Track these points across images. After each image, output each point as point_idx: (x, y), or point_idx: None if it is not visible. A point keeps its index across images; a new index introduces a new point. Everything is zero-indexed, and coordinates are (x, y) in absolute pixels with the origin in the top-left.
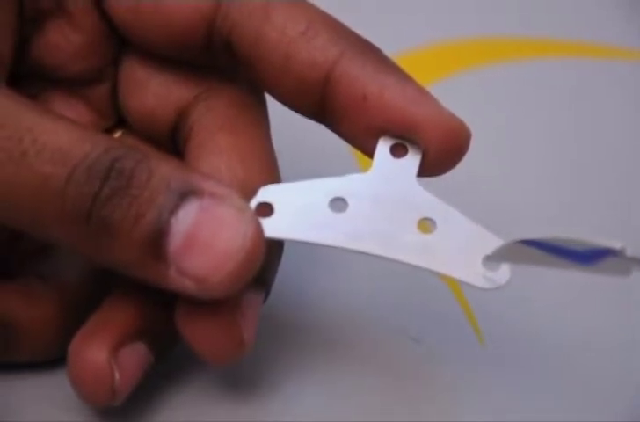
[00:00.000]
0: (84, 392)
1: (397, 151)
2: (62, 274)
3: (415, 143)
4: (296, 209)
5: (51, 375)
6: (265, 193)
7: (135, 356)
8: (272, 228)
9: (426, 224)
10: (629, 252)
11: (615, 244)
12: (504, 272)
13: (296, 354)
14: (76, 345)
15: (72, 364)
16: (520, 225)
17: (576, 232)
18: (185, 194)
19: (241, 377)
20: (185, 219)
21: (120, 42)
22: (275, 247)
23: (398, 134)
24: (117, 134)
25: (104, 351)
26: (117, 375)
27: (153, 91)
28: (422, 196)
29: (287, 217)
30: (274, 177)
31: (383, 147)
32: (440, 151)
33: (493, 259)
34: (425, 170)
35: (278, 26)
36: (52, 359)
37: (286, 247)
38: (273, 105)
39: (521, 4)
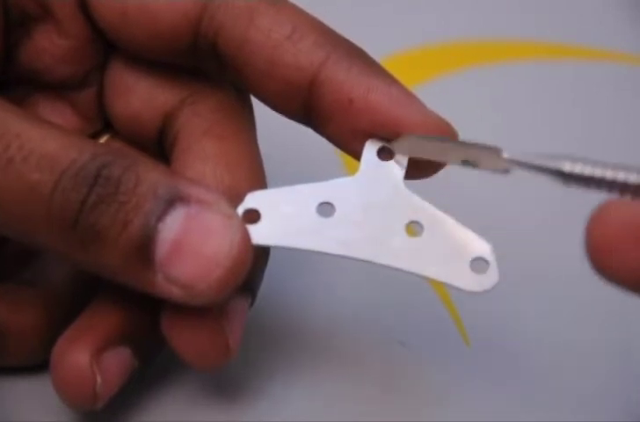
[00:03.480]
0: (66, 395)
1: (384, 154)
2: (48, 280)
3: None
4: (283, 215)
5: (38, 379)
6: (252, 199)
7: (119, 360)
8: (259, 234)
9: (414, 228)
10: (506, 155)
11: (493, 146)
12: (491, 275)
13: (283, 358)
14: (59, 349)
15: (55, 367)
16: (508, 228)
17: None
18: (172, 201)
19: (227, 381)
20: (173, 225)
21: (107, 47)
22: (261, 253)
23: (385, 136)
24: (103, 139)
25: (86, 354)
26: (99, 379)
27: (139, 96)
28: (409, 199)
29: (275, 223)
30: (260, 182)
31: (370, 150)
32: None
33: (394, 149)
34: (413, 173)
35: (263, 30)
36: (38, 363)
37: (272, 252)
38: (260, 108)
39: (513, 6)
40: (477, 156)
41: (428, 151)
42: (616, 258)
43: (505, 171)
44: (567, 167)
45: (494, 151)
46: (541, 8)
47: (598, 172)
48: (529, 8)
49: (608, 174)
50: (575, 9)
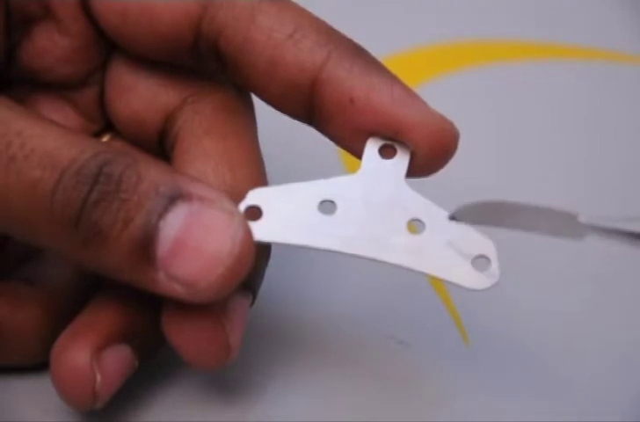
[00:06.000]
0: (66, 394)
1: (386, 152)
2: (49, 278)
3: (404, 144)
4: (285, 212)
5: (38, 379)
6: (254, 197)
7: (119, 358)
8: (260, 231)
9: (415, 225)
10: (583, 219)
11: (571, 211)
12: (492, 272)
13: (283, 357)
14: (58, 347)
15: (54, 365)
16: None
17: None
18: (173, 198)
19: (227, 380)
20: (174, 223)
21: (108, 46)
22: (263, 250)
23: (386, 136)
24: (105, 138)
25: (86, 352)
26: (98, 378)
27: (140, 96)
28: (411, 197)
29: (276, 220)
30: (262, 181)
31: (372, 148)
32: (429, 152)
33: (457, 219)
34: (414, 171)
35: (264, 29)
36: (38, 363)
37: (273, 251)
38: (261, 107)
39: (513, 6)
40: (551, 221)
41: (493, 219)
42: None
43: (580, 238)
44: None
45: (569, 216)
46: (541, 8)
47: None
48: (529, 8)
49: None
50: (574, 9)
